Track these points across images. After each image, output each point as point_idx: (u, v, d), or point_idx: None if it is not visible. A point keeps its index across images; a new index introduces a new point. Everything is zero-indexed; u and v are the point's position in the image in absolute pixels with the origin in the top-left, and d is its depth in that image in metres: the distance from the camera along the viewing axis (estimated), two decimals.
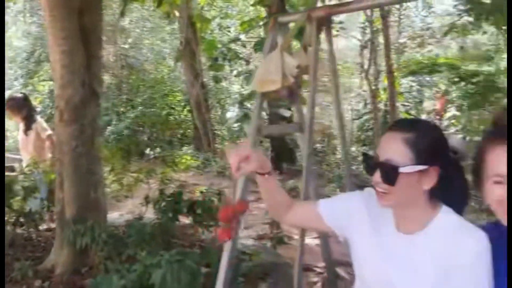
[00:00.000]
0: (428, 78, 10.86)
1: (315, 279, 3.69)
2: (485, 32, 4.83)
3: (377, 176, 1.38)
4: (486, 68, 5.11)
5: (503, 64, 5.00)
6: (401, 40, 11.87)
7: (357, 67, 10.84)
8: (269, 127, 4.27)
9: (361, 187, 1.66)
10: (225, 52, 8.23)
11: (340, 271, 3.81)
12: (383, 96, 7.77)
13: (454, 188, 1.44)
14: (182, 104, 10.44)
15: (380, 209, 1.52)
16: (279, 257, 3.70)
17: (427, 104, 11.67)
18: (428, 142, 1.41)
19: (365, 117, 8.67)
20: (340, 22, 6.47)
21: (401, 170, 1.36)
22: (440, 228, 1.41)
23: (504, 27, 4.11)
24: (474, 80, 4.99)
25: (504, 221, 1.32)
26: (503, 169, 1.29)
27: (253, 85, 2.17)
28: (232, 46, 8.07)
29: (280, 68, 2.11)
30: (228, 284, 2.13)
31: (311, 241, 4.03)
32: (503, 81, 5.13)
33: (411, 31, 12.82)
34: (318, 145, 10.26)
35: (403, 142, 1.38)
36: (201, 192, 3.86)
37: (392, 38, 11.73)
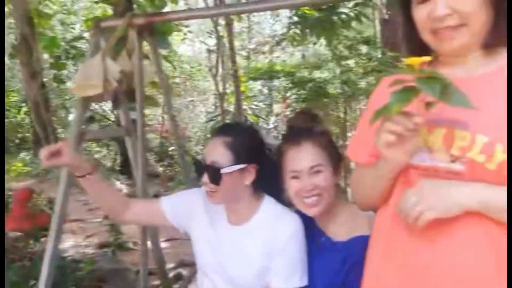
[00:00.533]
0: (277, 83, 11.63)
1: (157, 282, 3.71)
2: (315, 43, 5.34)
3: (204, 178, 1.53)
4: (317, 75, 5.66)
5: (328, 72, 5.59)
6: (251, 46, 12.49)
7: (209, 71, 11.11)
8: (94, 131, 4.15)
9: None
10: (69, 50, 7.72)
11: (184, 271, 3.87)
12: (232, 99, 8.09)
13: (271, 179, 1.62)
14: (20, 105, 9.52)
15: (214, 206, 1.67)
16: (119, 263, 3.64)
17: (276, 107, 12.45)
18: (245, 144, 1.59)
19: (216, 120, 8.92)
20: (187, 26, 6.58)
21: (223, 171, 1.53)
22: (263, 218, 1.60)
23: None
24: (306, 86, 5.49)
25: (302, 209, 1.54)
26: (296, 166, 1.53)
27: (74, 90, 2.10)
28: (77, 44, 7.63)
29: (102, 72, 2.08)
30: None
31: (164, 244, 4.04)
32: (330, 87, 5.73)
33: (261, 38, 13.55)
34: (172, 147, 10.23)
35: (223, 145, 1.56)
36: (31, 201, 3.58)
37: (244, 43, 12.32)
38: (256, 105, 9.80)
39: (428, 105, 1.01)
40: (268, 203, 1.63)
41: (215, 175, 1.53)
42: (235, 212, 1.64)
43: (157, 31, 2.33)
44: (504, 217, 1.02)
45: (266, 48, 12.83)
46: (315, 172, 1.51)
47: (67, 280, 2.73)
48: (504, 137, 1.02)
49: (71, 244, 4.27)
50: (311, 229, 1.60)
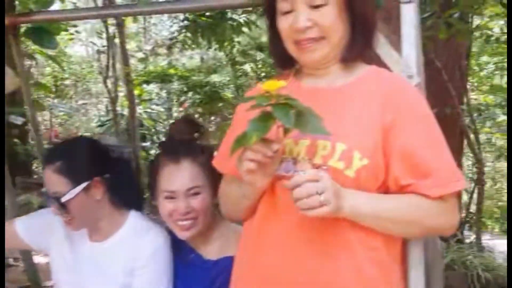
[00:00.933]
0: (176, 86, 11.44)
1: None
2: (209, 48, 5.32)
3: (53, 209, 1.44)
4: (212, 79, 5.66)
5: (225, 76, 5.63)
6: (148, 48, 12.17)
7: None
8: None
9: None
10: None
11: None
12: (126, 102, 7.80)
13: (126, 187, 1.54)
14: None
15: None
16: None
17: (175, 110, 12.27)
18: (78, 161, 1.47)
19: (108, 124, 8.53)
20: (74, 26, 6.21)
21: (64, 199, 1.42)
22: (126, 233, 1.51)
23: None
24: (202, 90, 5.47)
25: (174, 231, 1.46)
26: (171, 187, 1.42)
27: None
28: None
29: None
30: None
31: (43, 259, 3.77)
32: (226, 91, 5.75)
33: (159, 40, 13.27)
34: None
35: (55, 173, 1.45)
36: None
37: (140, 45, 11.95)
38: (153, 109, 9.56)
39: (286, 130, 1.02)
40: (133, 218, 1.56)
41: (60, 205, 1.44)
42: (97, 229, 1.56)
43: (43, 30, 2.17)
44: (377, 224, 1.07)
45: (164, 50, 12.61)
46: (192, 194, 1.43)
47: None
48: (361, 145, 1.08)
49: None
50: (181, 245, 1.54)
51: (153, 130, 9.10)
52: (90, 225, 1.54)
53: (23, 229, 1.62)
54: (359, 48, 1.16)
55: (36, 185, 7.46)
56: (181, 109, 8.56)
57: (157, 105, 10.54)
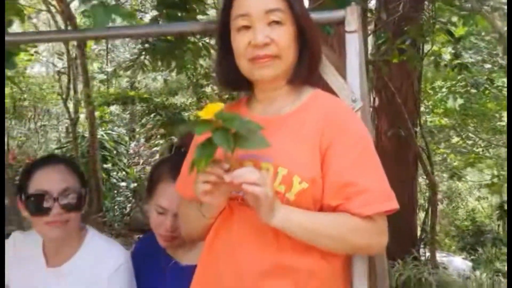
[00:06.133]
0: (138, 108, 11.35)
1: None
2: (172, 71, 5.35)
3: (57, 209, 1.39)
4: (174, 100, 5.69)
5: (184, 99, 5.66)
6: (109, 69, 12.06)
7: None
8: None
9: None
10: None
11: None
12: (86, 124, 7.69)
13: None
14: None
15: (27, 251, 1.52)
16: None
17: (138, 132, 12.13)
18: (78, 167, 1.56)
19: (68, 146, 8.37)
20: (35, 46, 6.12)
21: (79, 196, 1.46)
22: (86, 255, 1.49)
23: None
24: (163, 112, 5.48)
25: (158, 239, 1.51)
26: (163, 203, 1.47)
27: None
28: None
29: None
30: None
31: None
32: (187, 113, 5.78)
33: (122, 61, 13.17)
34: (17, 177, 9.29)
35: (68, 170, 1.48)
36: None
37: (102, 66, 11.83)
38: (114, 131, 9.45)
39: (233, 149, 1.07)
40: (93, 237, 1.55)
41: (78, 200, 1.45)
42: (58, 251, 1.51)
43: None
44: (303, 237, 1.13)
45: (127, 71, 12.52)
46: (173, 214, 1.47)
47: None
48: (300, 169, 1.14)
49: None
50: (159, 254, 1.56)
51: (114, 152, 8.98)
52: (56, 242, 1.49)
53: None
54: (306, 71, 1.22)
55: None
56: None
57: (119, 127, 10.44)
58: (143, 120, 5.87)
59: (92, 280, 1.45)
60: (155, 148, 9.14)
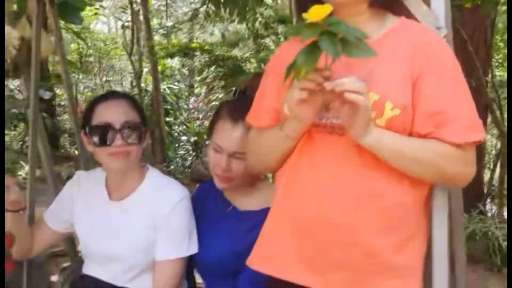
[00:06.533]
0: (196, 63, 11.48)
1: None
2: (233, 21, 5.33)
3: (119, 140, 1.44)
4: (234, 53, 5.69)
5: (247, 50, 5.65)
6: (169, 24, 12.18)
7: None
8: None
9: None
10: None
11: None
12: (149, 79, 7.89)
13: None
14: None
15: (91, 187, 1.61)
16: None
17: (196, 88, 12.32)
18: (140, 106, 1.60)
19: None
20: (99, 0, 6.28)
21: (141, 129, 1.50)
22: (147, 190, 1.55)
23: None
24: (224, 64, 5.50)
25: (214, 179, 1.53)
26: (220, 142, 1.49)
27: None
28: None
29: None
30: None
31: None
32: (248, 65, 5.78)
33: (180, 16, 13.24)
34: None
35: (130, 104, 1.52)
36: None
37: (162, 22, 11.97)
38: (175, 85, 9.65)
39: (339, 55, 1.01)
40: (152, 174, 1.59)
41: (139, 132, 1.49)
42: (120, 185, 1.56)
43: (68, 5, 2.22)
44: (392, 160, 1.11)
45: (185, 26, 12.62)
46: (236, 157, 1.47)
47: None
48: (392, 95, 1.11)
49: None
50: (220, 199, 1.60)
51: (175, 106, 9.21)
52: (120, 175, 1.54)
53: (51, 218, 1.64)
54: None
55: (64, 158, 7.68)
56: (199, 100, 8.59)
57: (178, 82, 10.63)
58: (204, 73, 5.91)
59: (152, 214, 1.50)
60: (214, 103, 9.29)
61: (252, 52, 5.83)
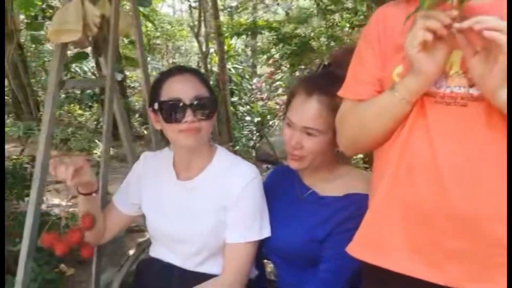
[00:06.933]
0: (259, 43, 11.42)
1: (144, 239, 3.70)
2: None
3: (190, 116, 1.36)
4: (302, 30, 5.55)
5: (313, 27, 5.49)
6: (233, 4, 12.18)
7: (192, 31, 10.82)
8: (73, 81, 4.00)
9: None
10: (46, 9, 7.43)
11: None
12: (215, 58, 7.93)
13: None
14: None
15: (158, 167, 1.55)
16: None
17: (259, 68, 12.30)
18: (208, 81, 1.51)
19: None
20: None
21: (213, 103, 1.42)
22: (216, 170, 1.47)
23: None
24: (291, 41, 5.38)
25: (287, 158, 1.46)
26: (292, 117, 1.39)
27: (49, 35, 1.99)
28: (54, 3, 7.34)
29: (81, 16, 1.97)
30: (32, 251, 1.98)
31: None
32: (316, 42, 5.63)
33: None
34: None
35: (198, 78, 1.44)
36: (12, 160, 3.49)
37: (226, 3, 12.01)
38: (239, 65, 9.67)
39: (461, 1, 0.90)
40: (221, 153, 1.51)
41: (209, 107, 1.40)
42: (189, 165, 1.49)
43: None
44: None
45: (249, 5, 12.56)
46: (308, 133, 1.36)
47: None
48: None
49: (56, 204, 4.22)
50: (297, 183, 1.52)
51: (240, 86, 9.24)
52: (190, 153, 1.47)
53: (120, 201, 1.60)
54: None
55: (135, 137, 7.97)
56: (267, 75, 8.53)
57: (241, 62, 10.65)
58: (273, 50, 5.82)
59: (222, 194, 1.42)
60: (278, 83, 9.22)
61: (321, 29, 5.65)
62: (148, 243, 1.83)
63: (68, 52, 2.30)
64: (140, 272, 1.62)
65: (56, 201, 4.34)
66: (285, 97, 8.21)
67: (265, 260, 1.70)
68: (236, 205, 1.42)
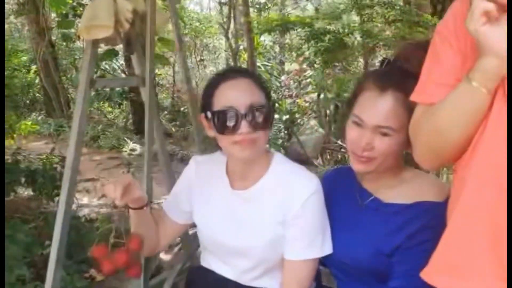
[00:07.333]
0: (287, 40, 11.28)
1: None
2: None
3: (245, 127, 1.25)
4: (333, 27, 5.36)
5: (344, 23, 5.29)
6: (262, 0, 12.05)
7: (221, 28, 10.78)
8: (104, 80, 3.94)
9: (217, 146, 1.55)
10: (76, 7, 7.47)
11: None
12: (245, 56, 7.82)
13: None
14: (28, 65, 9.37)
15: (211, 173, 1.44)
16: None
17: (287, 65, 12.16)
18: (264, 83, 1.37)
19: None
20: None
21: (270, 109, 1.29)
22: (275, 178, 1.35)
23: None
24: (324, 38, 5.21)
25: (351, 160, 1.31)
26: (363, 115, 1.25)
27: (80, 31, 1.89)
28: (85, 1, 7.37)
29: (112, 12, 1.87)
30: (62, 254, 1.90)
31: None
32: (350, 38, 5.44)
33: None
34: (184, 106, 10.08)
35: (253, 83, 1.30)
36: (42, 160, 3.45)
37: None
38: (268, 63, 9.53)
39: None
40: (279, 160, 1.38)
41: (266, 117, 1.27)
42: (244, 173, 1.37)
43: None
44: None
45: (278, 2, 12.42)
46: (381, 132, 1.22)
47: (83, 241, 2.61)
48: None
49: (85, 203, 4.18)
50: (353, 188, 1.38)
51: (269, 83, 9.12)
52: (247, 162, 1.35)
53: (173, 213, 1.51)
54: None
55: (164, 135, 7.95)
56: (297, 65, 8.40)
57: (269, 59, 10.51)
58: (304, 47, 5.65)
59: (281, 207, 1.31)
60: (309, 79, 9.04)
61: (355, 24, 5.45)
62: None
63: (99, 50, 2.22)
64: (191, 282, 1.54)
65: (85, 200, 4.32)
66: (314, 95, 8.04)
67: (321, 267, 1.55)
68: (295, 221, 1.30)
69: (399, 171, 1.32)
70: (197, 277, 1.51)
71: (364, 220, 1.32)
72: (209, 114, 1.29)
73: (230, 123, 1.25)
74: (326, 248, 1.33)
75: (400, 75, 1.21)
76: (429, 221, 1.16)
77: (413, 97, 1.03)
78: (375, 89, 1.23)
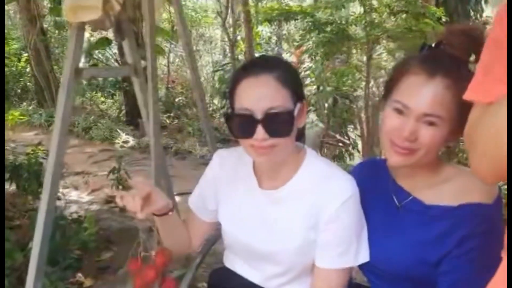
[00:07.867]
0: (284, 32, 11.06)
1: None
2: None
3: (260, 133, 1.12)
4: (334, 17, 5.16)
5: (352, 12, 5.12)
6: None
7: (217, 18, 10.54)
8: (92, 69, 3.73)
9: (223, 140, 1.38)
10: None
11: None
12: (242, 46, 7.62)
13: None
14: (19, 53, 9.11)
15: (237, 169, 1.35)
16: (128, 221, 3.34)
17: (285, 56, 11.97)
18: (295, 76, 1.20)
19: (225, 69, 8.46)
20: None
21: (294, 114, 1.14)
22: (307, 178, 1.22)
23: None
24: (327, 28, 5.02)
25: (388, 153, 1.15)
26: (407, 100, 1.09)
27: (66, 13, 1.69)
28: None
29: None
30: (43, 257, 1.72)
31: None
32: (354, 29, 5.25)
33: None
34: (178, 98, 9.88)
35: (277, 82, 1.13)
36: (28, 153, 3.24)
37: None
38: (265, 52, 9.34)
39: None
40: (311, 160, 1.25)
41: (284, 124, 1.14)
42: (275, 172, 1.25)
43: None
44: None
45: None
46: (426, 121, 1.09)
47: (70, 243, 2.42)
48: None
49: (74, 199, 3.98)
50: (388, 184, 1.24)
51: None
52: (274, 163, 1.23)
53: (199, 211, 1.43)
54: None
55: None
56: (297, 53, 8.22)
57: (266, 51, 10.30)
58: (307, 37, 5.44)
59: (313, 211, 1.20)
60: (307, 72, 8.86)
61: (358, 15, 5.26)
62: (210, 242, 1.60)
63: (91, 38, 2.04)
64: (214, 284, 1.48)
65: (74, 195, 4.11)
66: (313, 88, 7.85)
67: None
68: (329, 226, 1.19)
69: (438, 168, 1.17)
70: (221, 279, 1.43)
71: (402, 223, 1.17)
72: (228, 114, 1.20)
73: (245, 128, 1.14)
74: (361, 257, 1.22)
75: (451, 61, 1.09)
76: (476, 227, 1.05)
77: (468, 95, 0.83)
78: (422, 73, 1.09)
